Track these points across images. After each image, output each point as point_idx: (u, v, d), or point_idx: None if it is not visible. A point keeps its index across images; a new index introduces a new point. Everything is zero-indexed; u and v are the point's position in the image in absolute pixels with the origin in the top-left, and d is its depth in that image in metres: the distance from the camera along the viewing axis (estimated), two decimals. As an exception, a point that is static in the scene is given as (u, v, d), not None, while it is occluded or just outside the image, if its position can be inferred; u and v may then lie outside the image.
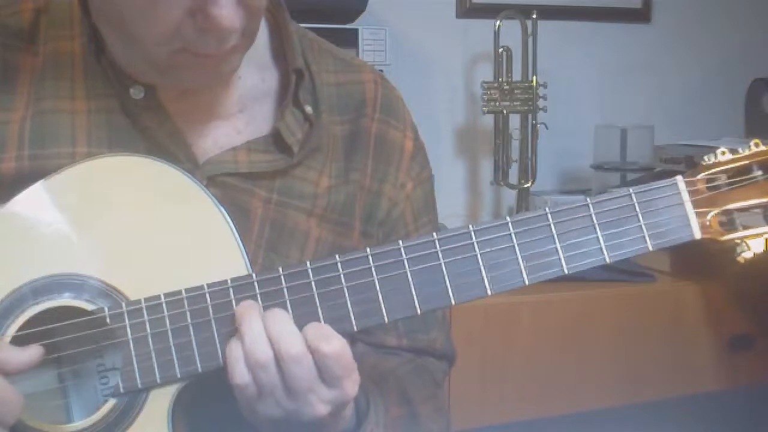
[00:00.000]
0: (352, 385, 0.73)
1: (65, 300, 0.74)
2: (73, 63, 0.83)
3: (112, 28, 0.79)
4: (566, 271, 0.76)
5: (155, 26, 0.72)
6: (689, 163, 1.89)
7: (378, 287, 0.75)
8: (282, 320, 0.72)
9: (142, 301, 0.74)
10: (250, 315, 0.72)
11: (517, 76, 2.04)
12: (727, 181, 0.77)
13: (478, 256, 0.76)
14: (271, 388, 0.71)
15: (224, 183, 0.83)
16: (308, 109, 0.86)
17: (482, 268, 0.75)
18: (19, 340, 0.73)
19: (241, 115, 0.86)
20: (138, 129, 0.82)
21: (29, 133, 0.80)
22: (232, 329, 0.74)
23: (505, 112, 2.03)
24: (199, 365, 0.74)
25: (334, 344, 0.71)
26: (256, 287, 0.75)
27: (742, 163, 0.77)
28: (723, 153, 0.77)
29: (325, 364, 0.71)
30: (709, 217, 0.77)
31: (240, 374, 0.71)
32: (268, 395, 0.72)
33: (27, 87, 0.82)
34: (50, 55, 0.83)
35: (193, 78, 0.80)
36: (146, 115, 0.82)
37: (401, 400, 0.88)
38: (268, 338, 0.71)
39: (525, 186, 2.08)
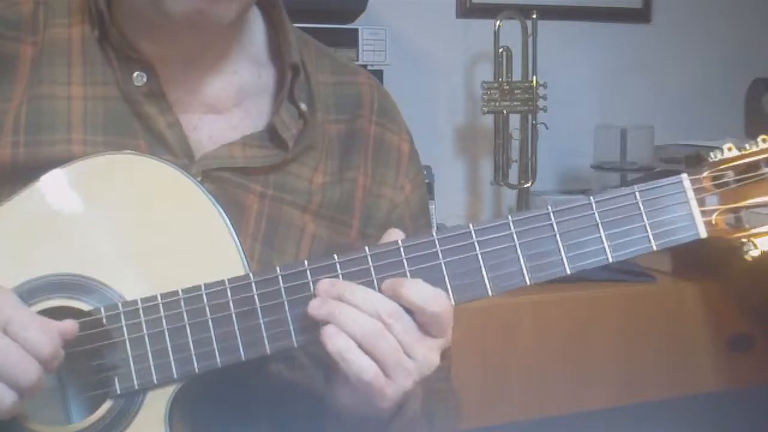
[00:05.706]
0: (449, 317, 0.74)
1: (61, 300, 0.74)
2: (71, 49, 0.83)
3: None
4: (569, 271, 0.75)
5: None
6: (689, 163, 1.88)
7: (377, 288, 0.74)
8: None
9: (139, 301, 0.74)
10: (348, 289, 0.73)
11: (517, 76, 2.03)
12: (735, 178, 0.75)
13: (479, 255, 0.75)
14: (394, 355, 0.71)
15: (219, 178, 0.83)
16: (302, 106, 0.86)
17: (483, 268, 0.75)
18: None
19: (237, 110, 0.87)
20: (137, 117, 0.82)
21: (24, 119, 0.80)
22: (228, 330, 0.73)
23: (505, 112, 2.02)
24: (196, 366, 0.73)
25: (410, 286, 0.73)
26: (254, 288, 0.74)
27: (749, 159, 0.75)
28: (729, 149, 0.75)
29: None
30: (714, 215, 0.75)
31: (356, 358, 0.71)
32: (394, 366, 0.72)
33: (26, 76, 0.82)
34: (48, 43, 0.83)
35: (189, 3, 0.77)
36: (148, 102, 0.82)
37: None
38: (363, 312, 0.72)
39: (525, 186, 2.07)
